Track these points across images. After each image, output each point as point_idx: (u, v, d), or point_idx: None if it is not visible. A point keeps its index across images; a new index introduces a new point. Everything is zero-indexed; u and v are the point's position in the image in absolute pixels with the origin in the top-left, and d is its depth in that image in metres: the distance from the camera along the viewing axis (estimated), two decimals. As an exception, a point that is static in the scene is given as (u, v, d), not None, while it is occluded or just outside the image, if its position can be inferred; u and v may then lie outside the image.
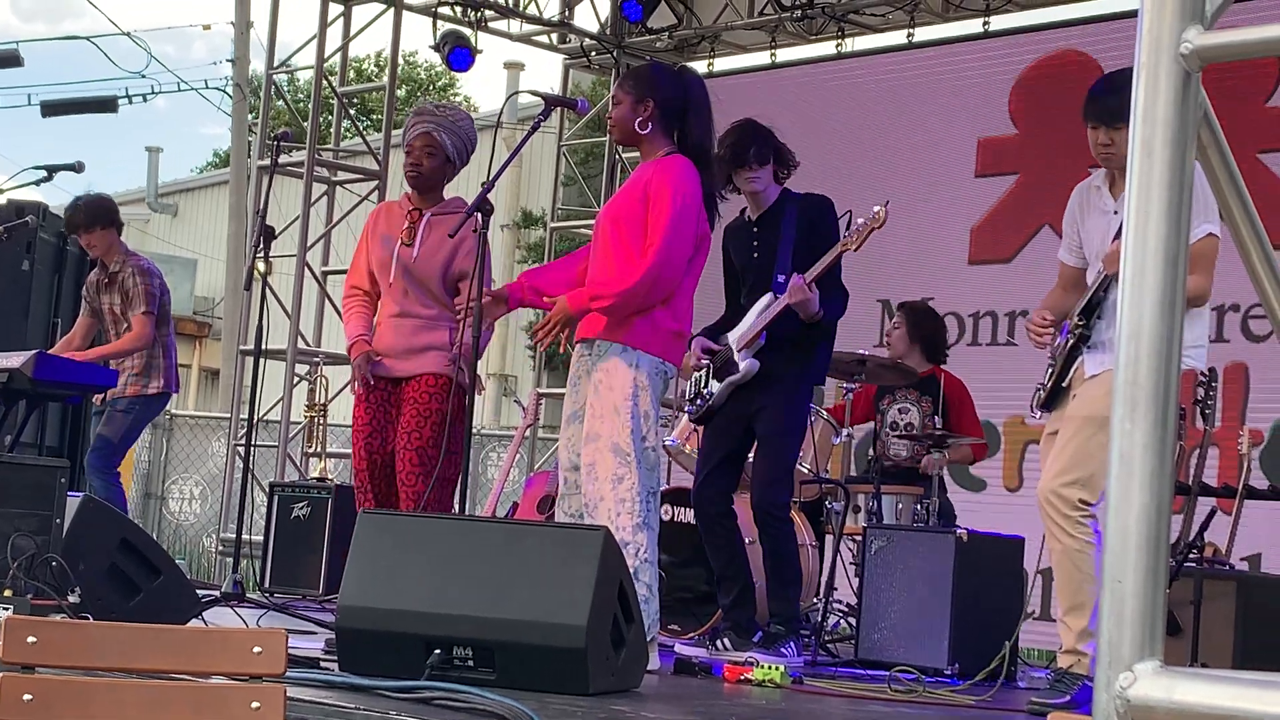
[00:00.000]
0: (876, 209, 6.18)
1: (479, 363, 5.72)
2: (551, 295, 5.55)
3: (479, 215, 5.47)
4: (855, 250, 6.22)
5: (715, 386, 6.35)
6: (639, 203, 5.41)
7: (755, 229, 6.41)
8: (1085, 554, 4.92)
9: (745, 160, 6.30)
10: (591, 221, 7.72)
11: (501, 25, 11.42)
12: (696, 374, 6.47)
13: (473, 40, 10.85)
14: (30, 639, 2.54)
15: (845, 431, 7.24)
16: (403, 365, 5.99)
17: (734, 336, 6.34)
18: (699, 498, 6.37)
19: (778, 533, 6.22)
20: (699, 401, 6.43)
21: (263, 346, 6.97)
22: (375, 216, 6.22)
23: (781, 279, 6.22)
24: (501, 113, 8.99)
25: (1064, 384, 5.16)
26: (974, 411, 7.68)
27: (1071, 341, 5.12)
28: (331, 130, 11.28)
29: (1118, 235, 4.98)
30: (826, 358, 6.48)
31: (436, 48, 10.81)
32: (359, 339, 6.03)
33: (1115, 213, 5.08)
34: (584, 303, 5.35)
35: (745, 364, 6.27)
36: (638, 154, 5.75)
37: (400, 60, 11.45)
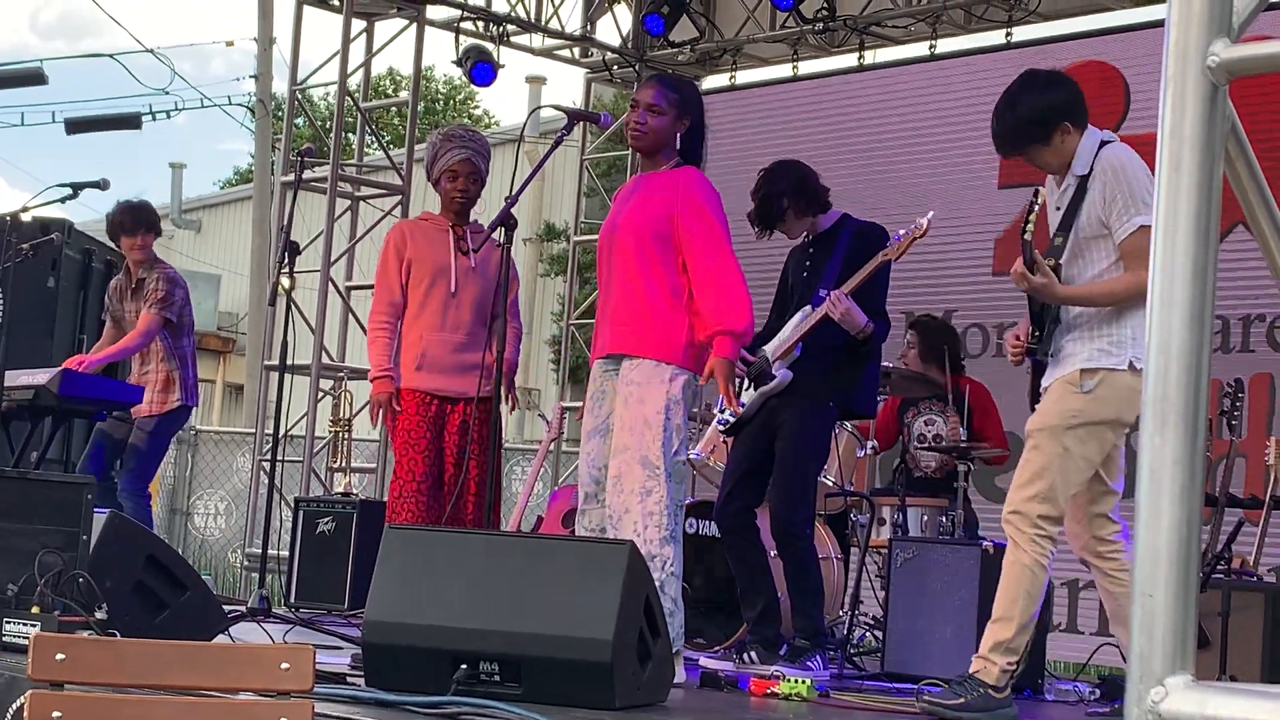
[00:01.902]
0: (920, 220, 6.20)
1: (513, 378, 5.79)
2: None
3: (503, 229, 5.50)
4: (896, 259, 6.25)
5: (748, 396, 6.36)
6: (666, 219, 5.41)
7: (811, 249, 6.49)
8: (1033, 573, 4.94)
9: (778, 223, 6.45)
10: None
11: (523, 40, 11.43)
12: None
13: (495, 55, 10.87)
14: (59, 656, 2.55)
15: (869, 444, 7.22)
16: (455, 383, 6.08)
17: (770, 348, 6.35)
18: (721, 513, 6.36)
19: (796, 552, 6.20)
20: (730, 412, 6.43)
21: (287, 362, 6.98)
22: (402, 235, 6.23)
23: (822, 294, 6.23)
24: (524, 127, 9.00)
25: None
26: (998, 417, 7.65)
27: (1034, 365, 5.16)
28: (354, 146, 11.32)
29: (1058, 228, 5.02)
30: (866, 386, 6.43)
31: (459, 63, 10.83)
32: (386, 374, 6.07)
33: (1057, 208, 5.12)
34: (729, 346, 5.37)
35: (779, 374, 6.28)
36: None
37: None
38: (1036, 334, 5.07)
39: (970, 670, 5.00)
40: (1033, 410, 5.19)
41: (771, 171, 6.51)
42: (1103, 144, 5.05)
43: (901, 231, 6.25)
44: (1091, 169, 5.00)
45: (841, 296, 6.15)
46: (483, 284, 6.15)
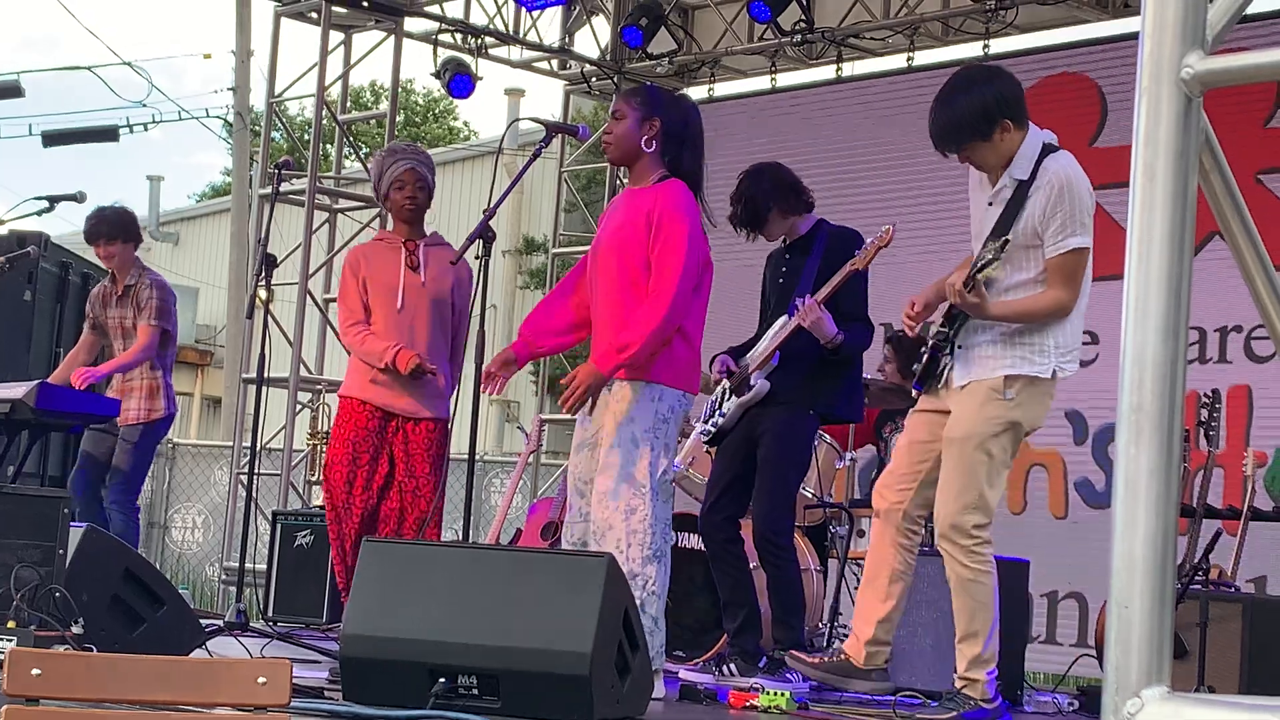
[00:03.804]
0: (884, 228, 6.22)
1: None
2: (550, 346, 5.70)
3: (481, 242, 5.48)
4: (863, 268, 6.25)
5: (729, 407, 6.36)
6: (644, 231, 5.35)
7: (787, 255, 6.50)
8: (979, 583, 4.98)
9: (762, 224, 6.43)
10: (593, 247, 7.70)
11: (502, 52, 11.43)
12: (715, 394, 6.48)
13: (473, 67, 10.87)
14: (34, 671, 2.54)
15: (849, 455, 7.22)
16: (401, 402, 6.03)
17: (751, 357, 6.36)
18: (706, 524, 6.36)
19: (778, 560, 6.20)
20: (712, 423, 6.43)
21: (265, 374, 6.96)
22: (358, 256, 6.22)
23: (798, 302, 6.24)
24: (502, 139, 8.99)
25: (937, 374, 5.15)
26: None
27: (933, 344, 5.16)
28: (332, 158, 11.31)
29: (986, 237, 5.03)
30: (848, 391, 6.40)
31: (437, 75, 10.83)
32: (398, 346, 5.96)
33: (990, 204, 5.10)
34: (614, 360, 5.25)
35: (757, 384, 6.28)
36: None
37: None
38: (947, 328, 5.07)
39: (958, 689, 5.02)
40: (915, 385, 5.19)
41: (753, 174, 6.50)
42: (1045, 148, 5.00)
43: (868, 240, 6.27)
44: (1033, 176, 4.96)
45: (813, 305, 6.15)
46: (436, 299, 6.10)
